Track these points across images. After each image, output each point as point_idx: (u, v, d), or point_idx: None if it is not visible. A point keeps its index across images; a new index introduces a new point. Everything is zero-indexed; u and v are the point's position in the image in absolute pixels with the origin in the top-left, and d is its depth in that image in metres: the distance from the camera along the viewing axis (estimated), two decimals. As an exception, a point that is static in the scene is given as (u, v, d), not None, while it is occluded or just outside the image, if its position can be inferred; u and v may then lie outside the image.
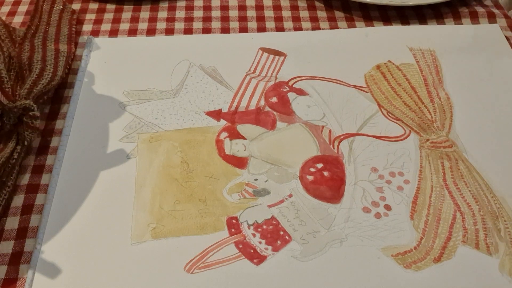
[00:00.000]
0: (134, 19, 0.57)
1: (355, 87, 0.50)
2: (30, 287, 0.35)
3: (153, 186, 0.41)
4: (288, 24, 0.57)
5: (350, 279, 0.36)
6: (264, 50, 0.53)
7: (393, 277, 0.36)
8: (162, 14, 0.58)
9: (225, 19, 0.57)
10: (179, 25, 0.56)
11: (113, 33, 0.55)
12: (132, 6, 0.59)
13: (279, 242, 0.38)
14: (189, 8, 0.59)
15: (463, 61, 0.52)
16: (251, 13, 0.58)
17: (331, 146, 0.45)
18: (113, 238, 0.38)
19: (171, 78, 0.50)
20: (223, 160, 0.43)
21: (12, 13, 0.57)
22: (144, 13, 0.58)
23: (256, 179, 0.42)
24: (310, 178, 0.42)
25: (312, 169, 0.43)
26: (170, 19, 0.57)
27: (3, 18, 0.56)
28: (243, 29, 0.56)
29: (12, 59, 0.46)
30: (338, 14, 0.58)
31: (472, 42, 0.54)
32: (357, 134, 0.45)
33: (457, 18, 0.57)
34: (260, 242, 0.38)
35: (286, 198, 0.41)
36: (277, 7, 0.59)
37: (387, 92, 0.49)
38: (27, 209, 0.40)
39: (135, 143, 0.44)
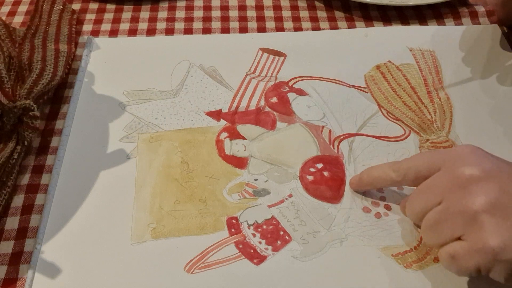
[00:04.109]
0: (134, 19, 0.57)
1: (355, 87, 0.50)
2: (30, 287, 0.35)
3: (153, 186, 0.41)
4: (288, 24, 0.57)
5: (350, 279, 0.36)
6: (264, 50, 0.53)
7: (393, 277, 0.36)
8: (162, 14, 0.58)
9: (225, 19, 0.57)
10: (179, 25, 0.56)
11: (113, 33, 0.55)
12: (132, 6, 0.59)
13: (279, 242, 0.38)
14: (189, 8, 0.59)
15: (463, 61, 0.52)
16: (251, 13, 0.58)
17: (331, 146, 0.45)
18: (113, 238, 0.38)
19: (171, 78, 0.50)
20: (223, 160, 0.43)
21: (12, 13, 0.57)
22: (144, 13, 0.58)
23: (256, 179, 0.42)
24: (310, 178, 0.42)
25: (312, 169, 0.43)
26: (170, 19, 0.57)
27: (3, 18, 0.56)
28: (243, 29, 0.56)
29: (12, 59, 0.46)
30: (338, 14, 0.58)
31: (472, 42, 0.54)
32: (357, 134, 0.46)
33: (457, 18, 0.57)
34: (260, 242, 0.38)
35: (286, 198, 0.41)
36: (277, 7, 0.59)
37: (387, 92, 0.49)
38: (27, 209, 0.40)
39: (135, 143, 0.44)
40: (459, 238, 0.32)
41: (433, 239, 0.34)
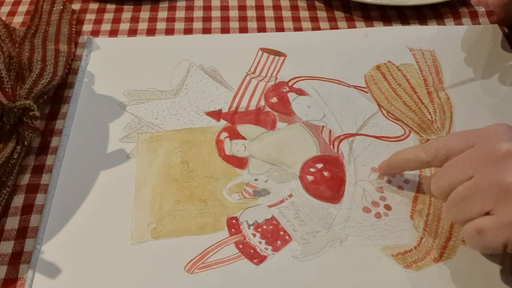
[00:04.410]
0: (134, 19, 0.57)
1: (355, 87, 0.50)
2: (30, 287, 0.35)
3: (153, 186, 0.41)
4: (288, 24, 0.57)
5: (350, 279, 0.36)
6: (264, 50, 0.53)
7: (393, 277, 0.36)
8: (162, 14, 0.58)
9: (225, 19, 0.57)
10: (179, 25, 0.56)
11: (113, 33, 0.55)
12: (132, 6, 0.59)
13: (279, 242, 0.38)
14: (189, 8, 0.59)
15: (463, 61, 0.52)
16: (251, 13, 0.58)
17: (331, 146, 0.45)
18: (113, 238, 0.38)
19: (171, 78, 0.50)
20: (223, 160, 0.43)
21: (12, 13, 0.57)
22: (144, 13, 0.58)
23: (256, 179, 0.42)
24: (310, 178, 0.42)
25: (312, 169, 0.43)
26: (170, 19, 0.57)
27: (3, 18, 0.56)
28: (243, 29, 0.56)
29: (12, 59, 0.46)
30: (338, 14, 0.58)
31: (472, 42, 0.54)
32: (357, 134, 0.46)
33: (457, 18, 0.57)
34: (260, 242, 0.38)
35: (286, 198, 0.41)
36: (277, 7, 0.59)
37: (387, 92, 0.49)
38: (27, 209, 0.40)
39: (135, 143, 0.44)
40: (487, 214, 0.32)
41: (459, 214, 0.33)
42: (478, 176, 0.32)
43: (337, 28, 0.56)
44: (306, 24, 0.57)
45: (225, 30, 0.56)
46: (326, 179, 0.42)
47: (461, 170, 0.33)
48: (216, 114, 0.47)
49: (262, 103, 0.48)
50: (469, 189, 0.32)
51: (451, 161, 0.34)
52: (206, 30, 0.56)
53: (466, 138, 0.35)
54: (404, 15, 0.57)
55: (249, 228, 0.39)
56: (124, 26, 0.56)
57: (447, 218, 0.36)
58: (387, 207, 0.40)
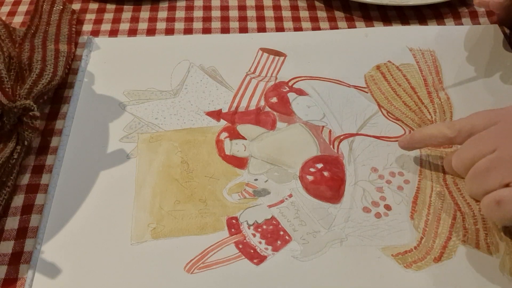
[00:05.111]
0: (134, 19, 0.57)
1: (355, 87, 0.50)
2: (30, 287, 0.35)
3: (153, 186, 0.41)
4: (288, 24, 0.57)
5: (350, 279, 0.36)
6: (264, 50, 0.53)
7: (393, 277, 0.36)
8: (162, 14, 0.58)
9: (225, 19, 0.57)
10: (179, 25, 0.56)
11: (113, 33, 0.55)
12: (132, 6, 0.59)
13: (279, 242, 0.38)
14: (189, 8, 0.59)
15: (463, 61, 0.52)
16: (251, 13, 0.58)
17: (331, 146, 0.45)
18: (113, 238, 0.38)
19: (171, 78, 0.50)
20: (223, 160, 0.43)
21: (12, 13, 0.57)
22: (144, 13, 0.58)
23: (256, 179, 0.42)
24: (310, 178, 0.42)
25: (312, 169, 0.43)
26: (170, 19, 0.57)
27: (3, 18, 0.56)
28: (243, 29, 0.56)
29: (12, 59, 0.46)
30: (338, 14, 0.58)
31: (472, 42, 0.54)
32: (357, 134, 0.46)
33: (457, 18, 0.57)
34: (260, 242, 0.38)
35: (286, 198, 0.41)
36: (277, 7, 0.59)
37: (387, 92, 0.49)
38: (27, 209, 0.40)
39: (135, 143, 0.44)
40: (507, 186, 0.32)
41: (479, 186, 0.34)
42: (500, 149, 0.33)
43: (337, 28, 0.56)
44: (306, 24, 0.57)
45: (225, 30, 0.56)
46: (326, 179, 0.42)
47: (484, 144, 0.34)
48: (216, 114, 0.47)
49: (262, 103, 0.48)
50: (490, 162, 0.33)
51: (475, 136, 0.36)
52: (206, 30, 0.56)
53: (490, 116, 0.36)
54: (404, 15, 0.57)
55: (249, 228, 0.39)
56: (124, 26, 0.56)
57: (467, 191, 0.37)
58: (387, 207, 0.40)
